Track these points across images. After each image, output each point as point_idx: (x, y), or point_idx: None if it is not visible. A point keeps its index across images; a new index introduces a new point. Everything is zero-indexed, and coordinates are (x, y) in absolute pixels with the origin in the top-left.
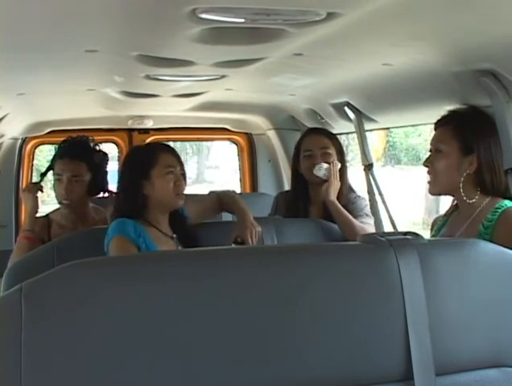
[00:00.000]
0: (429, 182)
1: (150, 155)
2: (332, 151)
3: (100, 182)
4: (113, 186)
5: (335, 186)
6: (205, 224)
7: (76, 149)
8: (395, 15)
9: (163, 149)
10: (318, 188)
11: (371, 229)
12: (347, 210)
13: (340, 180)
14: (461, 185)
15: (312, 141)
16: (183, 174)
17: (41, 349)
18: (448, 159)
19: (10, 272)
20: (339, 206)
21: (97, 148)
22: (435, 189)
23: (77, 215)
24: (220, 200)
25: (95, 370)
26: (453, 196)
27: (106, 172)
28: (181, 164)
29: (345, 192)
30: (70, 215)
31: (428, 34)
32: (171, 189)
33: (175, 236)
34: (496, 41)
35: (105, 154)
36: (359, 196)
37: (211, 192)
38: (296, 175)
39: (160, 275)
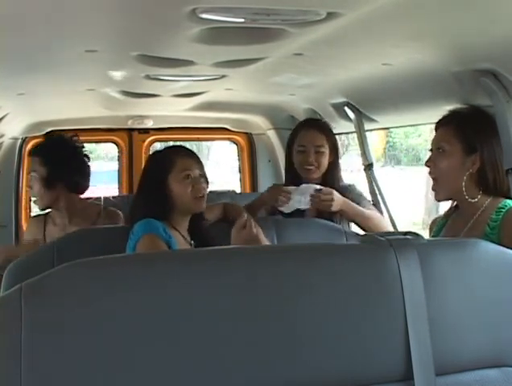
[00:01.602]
0: (434, 189)
1: (167, 160)
2: (326, 149)
3: (59, 175)
4: (113, 186)
5: (332, 198)
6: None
7: (34, 148)
8: (395, 15)
9: (179, 152)
10: (310, 182)
11: (378, 213)
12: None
13: (333, 174)
14: (464, 184)
15: (307, 137)
16: (204, 176)
17: (41, 349)
18: (450, 159)
19: (10, 272)
20: (350, 206)
21: (64, 141)
22: (441, 194)
23: (63, 211)
24: (227, 212)
25: (95, 370)
26: (455, 200)
27: (75, 165)
28: (200, 166)
29: (337, 186)
30: (58, 213)
31: (428, 34)
32: (190, 193)
33: (192, 242)
34: (496, 41)
35: (75, 147)
36: (349, 185)
37: (211, 192)
38: (290, 169)
39: (160, 275)
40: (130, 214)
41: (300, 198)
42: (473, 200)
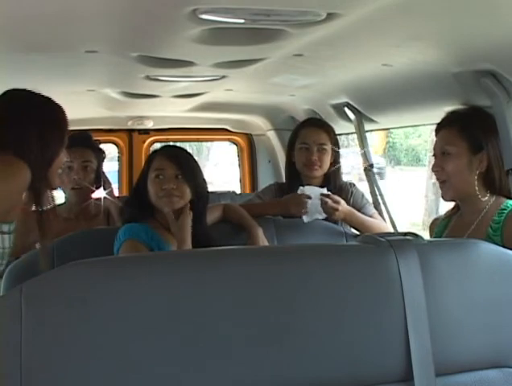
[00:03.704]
0: (442, 188)
1: (147, 161)
2: (328, 147)
3: (102, 172)
4: (113, 186)
5: (338, 208)
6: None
7: (83, 139)
8: (395, 15)
9: (159, 152)
10: (312, 180)
11: (381, 220)
12: (347, 202)
13: (335, 173)
14: (476, 184)
15: (310, 135)
16: (183, 177)
17: (41, 349)
18: (458, 161)
19: (10, 272)
20: (353, 216)
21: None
22: (450, 194)
23: (80, 208)
24: (227, 213)
25: (95, 370)
26: (463, 200)
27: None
28: (177, 166)
29: (338, 186)
30: (74, 208)
31: (428, 34)
32: (157, 193)
33: None
34: (496, 41)
35: (103, 151)
36: (350, 184)
37: (211, 193)
38: (290, 166)
39: (160, 275)
40: (120, 216)
41: (318, 209)
42: (484, 199)
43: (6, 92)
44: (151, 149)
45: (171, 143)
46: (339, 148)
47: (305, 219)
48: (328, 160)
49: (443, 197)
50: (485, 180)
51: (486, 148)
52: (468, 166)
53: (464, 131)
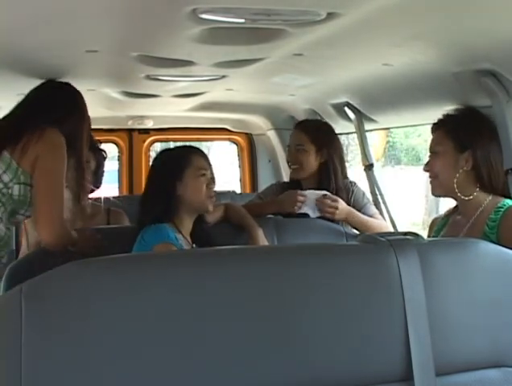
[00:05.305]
0: (431, 184)
1: (183, 157)
2: (309, 148)
3: (101, 173)
4: (113, 185)
5: (337, 206)
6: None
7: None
8: (395, 15)
9: (195, 151)
10: (303, 181)
11: (382, 220)
12: (348, 201)
13: (328, 174)
14: (455, 181)
15: (291, 137)
16: (213, 178)
17: (41, 349)
18: (444, 159)
19: (10, 272)
20: (354, 216)
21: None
22: (437, 190)
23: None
24: (228, 213)
25: (95, 370)
26: (453, 197)
27: (103, 168)
28: (211, 168)
29: (337, 186)
30: (72, 208)
31: (428, 34)
32: (204, 191)
33: (194, 245)
34: (496, 41)
35: (104, 151)
36: (351, 183)
37: None
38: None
39: (161, 275)
40: (139, 215)
41: (312, 206)
42: (467, 198)
43: (47, 82)
44: (152, 149)
45: (172, 143)
46: (330, 149)
47: (311, 214)
48: (308, 160)
49: (432, 193)
50: (473, 178)
51: (472, 147)
52: (453, 164)
53: (451, 132)
